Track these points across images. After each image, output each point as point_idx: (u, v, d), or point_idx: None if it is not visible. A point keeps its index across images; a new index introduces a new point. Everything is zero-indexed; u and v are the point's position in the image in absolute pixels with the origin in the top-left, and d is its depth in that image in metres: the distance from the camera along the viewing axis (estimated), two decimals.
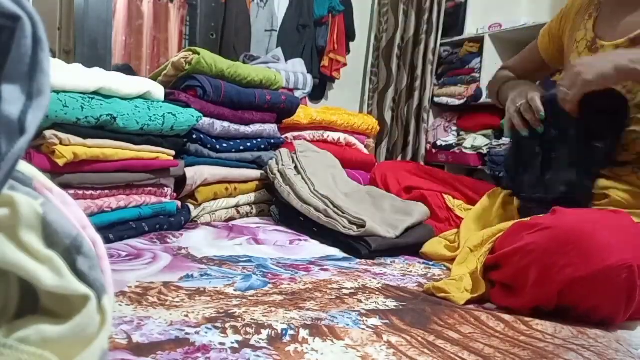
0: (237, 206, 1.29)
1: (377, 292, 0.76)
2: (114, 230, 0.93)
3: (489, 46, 3.02)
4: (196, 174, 1.16)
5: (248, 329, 0.56)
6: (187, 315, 0.59)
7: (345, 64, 3.40)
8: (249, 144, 1.32)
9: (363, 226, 0.98)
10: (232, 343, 0.52)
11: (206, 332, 0.54)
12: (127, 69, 2.18)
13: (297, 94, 2.28)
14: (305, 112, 1.60)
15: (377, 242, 0.98)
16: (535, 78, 1.24)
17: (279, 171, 1.20)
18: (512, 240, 0.75)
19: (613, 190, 0.90)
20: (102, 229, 0.87)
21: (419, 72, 3.29)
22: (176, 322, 0.56)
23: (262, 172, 1.32)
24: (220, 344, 0.52)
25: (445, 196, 1.20)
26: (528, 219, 0.82)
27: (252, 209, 1.32)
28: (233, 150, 1.28)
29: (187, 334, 0.53)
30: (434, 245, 1.02)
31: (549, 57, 1.16)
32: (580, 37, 1.02)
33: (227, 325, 0.56)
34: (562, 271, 0.65)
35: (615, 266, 0.62)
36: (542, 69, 1.21)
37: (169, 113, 1.04)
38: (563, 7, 1.15)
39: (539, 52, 1.18)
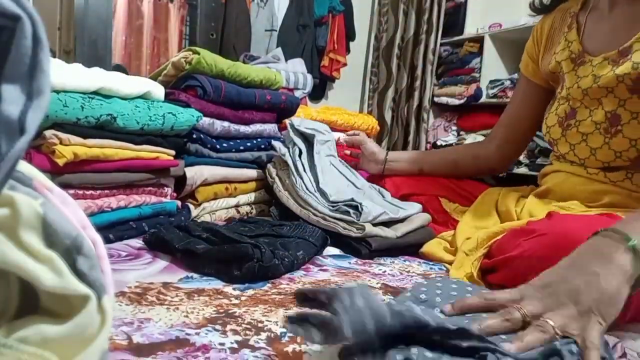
0: (237, 206, 1.29)
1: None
2: (114, 230, 0.93)
3: (489, 46, 3.02)
4: (196, 173, 1.16)
5: (247, 329, 0.56)
6: (187, 316, 0.59)
7: (345, 64, 3.40)
8: (249, 144, 1.32)
9: (363, 229, 0.98)
10: (232, 343, 0.52)
11: (206, 333, 0.54)
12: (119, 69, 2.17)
13: (297, 93, 2.28)
14: (305, 112, 1.60)
15: (377, 242, 0.98)
16: (540, 116, 1.09)
17: (277, 175, 1.20)
18: (508, 247, 0.74)
19: (608, 195, 0.90)
20: (102, 229, 0.87)
21: (419, 72, 3.29)
22: (176, 324, 0.57)
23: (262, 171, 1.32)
24: (220, 344, 0.52)
25: (441, 199, 1.20)
26: (524, 222, 0.82)
27: (252, 209, 1.32)
28: (233, 150, 1.28)
29: (187, 334, 0.54)
30: (433, 247, 1.02)
31: (542, 79, 1.07)
32: (560, 48, 0.97)
33: (226, 325, 0.57)
34: None
35: None
36: (546, 96, 1.08)
37: (169, 113, 1.04)
38: (534, 32, 1.09)
39: (533, 83, 1.09)
